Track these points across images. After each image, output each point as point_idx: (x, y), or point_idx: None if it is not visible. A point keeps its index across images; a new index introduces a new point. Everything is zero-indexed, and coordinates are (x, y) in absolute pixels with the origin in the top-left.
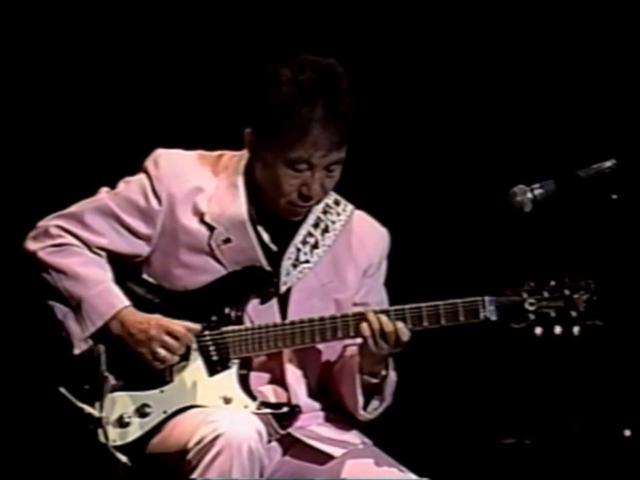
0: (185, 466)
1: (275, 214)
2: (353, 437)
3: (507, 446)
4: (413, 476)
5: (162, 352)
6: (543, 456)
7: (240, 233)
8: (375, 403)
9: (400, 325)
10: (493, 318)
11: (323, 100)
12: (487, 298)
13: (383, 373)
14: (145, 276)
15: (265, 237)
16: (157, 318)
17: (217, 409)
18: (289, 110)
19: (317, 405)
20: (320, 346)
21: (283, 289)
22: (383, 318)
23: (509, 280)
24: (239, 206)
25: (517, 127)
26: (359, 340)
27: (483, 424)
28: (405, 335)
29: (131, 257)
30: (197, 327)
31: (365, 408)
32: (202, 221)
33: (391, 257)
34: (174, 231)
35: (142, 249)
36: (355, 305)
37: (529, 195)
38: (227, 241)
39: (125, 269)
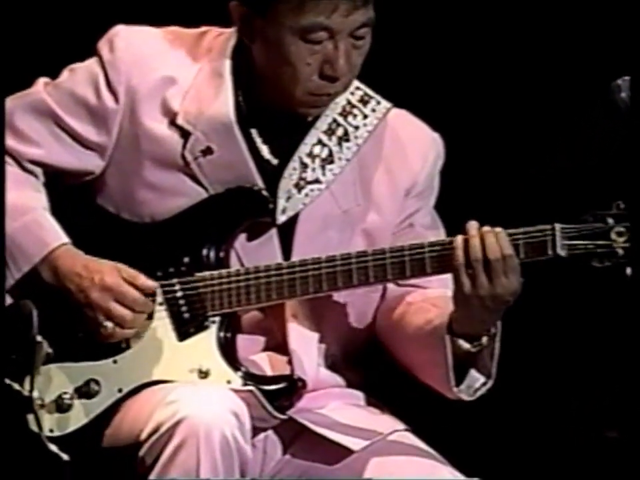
0: (139, 465)
1: (276, 113)
2: (383, 424)
3: (612, 440)
4: (460, 476)
5: (108, 325)
6: None
7: (225, 140)
8: (476, 377)
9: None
10: (565, 254)
11: None
12: (557, 225)
13: (484, 341)
14: (97, 201)
15: (261, 145)
16: (102, 270)
17: (179, 384)
18: None
19: (335, 379)
20: (342, 294)
21: (281, 218)
22: (490, 238)
23: (589, 201)
24: (224, 102)
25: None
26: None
27: (582, 414)
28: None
29: (77, 175)
30: (153, 284)
31: (457, 384)
32: (173, 123)
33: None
34: (135, 138)
35: (92, 162)
36: (395, 235)
37: None
38: (208, 151)
39: (68, 191)
